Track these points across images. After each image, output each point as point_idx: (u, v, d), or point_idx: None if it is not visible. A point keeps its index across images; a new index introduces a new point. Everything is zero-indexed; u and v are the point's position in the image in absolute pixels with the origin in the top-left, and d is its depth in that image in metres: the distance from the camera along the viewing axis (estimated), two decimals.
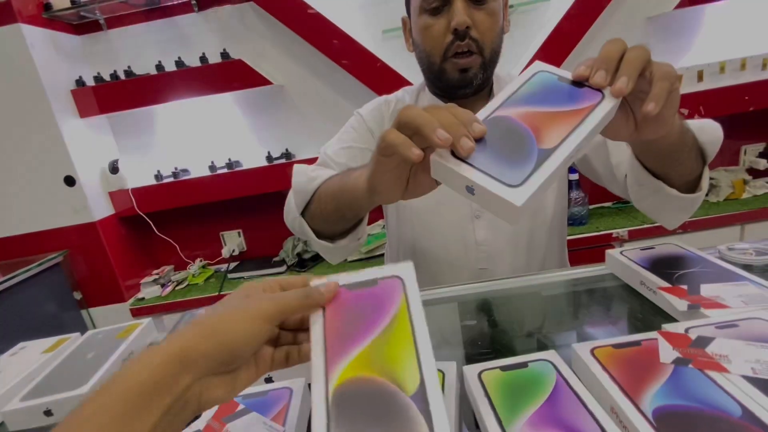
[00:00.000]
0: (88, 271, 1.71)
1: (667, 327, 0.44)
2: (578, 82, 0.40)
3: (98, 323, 1.75)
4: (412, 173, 0.43)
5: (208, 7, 1.69)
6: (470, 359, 0.54)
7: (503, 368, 0.43)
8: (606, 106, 0.38)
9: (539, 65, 0.43)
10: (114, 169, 1.73)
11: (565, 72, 0.41)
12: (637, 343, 0.43)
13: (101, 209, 1.70)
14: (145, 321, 0.71)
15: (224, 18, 1.70)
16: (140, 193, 1.75)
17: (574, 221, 1.67)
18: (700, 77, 1.62)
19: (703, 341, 0.41)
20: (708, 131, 0.58)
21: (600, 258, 0.68)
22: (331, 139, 0.82)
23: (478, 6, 0.68)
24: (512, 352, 0.53)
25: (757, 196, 1.65)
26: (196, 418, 0.33)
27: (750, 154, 1.80)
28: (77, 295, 1.71)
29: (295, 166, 0.71)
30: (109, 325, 0.72)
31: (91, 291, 1.73)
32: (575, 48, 1.60)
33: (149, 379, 0.27)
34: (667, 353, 0.40)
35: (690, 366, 0.38)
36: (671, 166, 0.58)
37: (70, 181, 1.61)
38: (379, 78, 1.62)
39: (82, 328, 1.77)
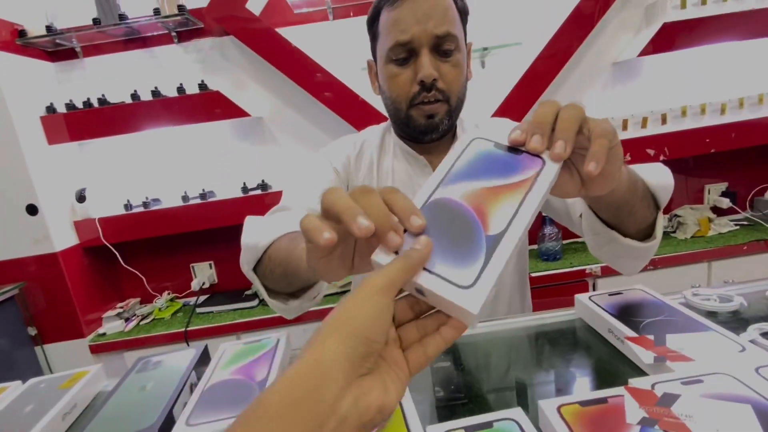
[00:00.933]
0: (46, 305, 1.61)
1: (634, 382, 0.43)
2: (516, 148, 0.38)
3: (53, 361, 1.64)
4: (355, 253, 0.37)
5: (188, 39, 1.70)
6: (440, 402, 0.52)
7: (467, 429, 0.41)
8: (548, 173, 0.35)
9: (474, 132, 0.41)
10: (81, 197, 1.67)
11: (501, 137, 0.39)
12: (603, 400, 0.42)
13: (64, 239, 1.63)
14: (94, 369, 0.66)
15: (204, 50, 1.71)
16: (107, 222, 1.69)
17: (548, 257, 1.68)
18: (663, 120, 1.70)
19: (669, 399, 0.40)
20: (658, 178, 0.58)
21: (574, 293, 0.67)
22: (295, 180, 0.80)
23: (443, 59, 0.69)
24: (482, 399, 0.51)
25: (722, 233, 1.71)
26: None
27: (713, 193, 1.87)
28: (32, 331, 1.61)
29: (247, 219, 0.67)
30: (66, 363, 0.67)
31: (47, 326, 1.63)
32: (547, 89, 1.66)
33: (281, 404, 0.24)
34: (634, 413, 0.39)
35: (656, 427, 0.37)
36: (624, 216, 0.57)
37: (32, 209, 1.54)
38: (358, 113, 1.64)
39: (35, 366, 1.66)
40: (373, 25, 0.74)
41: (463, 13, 0.73)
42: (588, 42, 1.66)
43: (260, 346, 0.64)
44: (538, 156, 0.37)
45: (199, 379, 0.60)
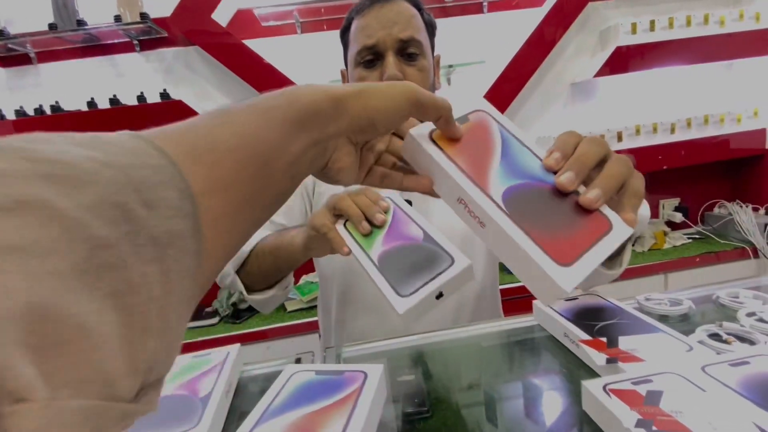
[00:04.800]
0: None
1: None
2: (338, 371, 0.42)
3: None
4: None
5: (151, 48, 1.66)
6: (405, 415, 0.49)
7: None
8: (371, 385, 0.40)
9: (291, 368, 0.45)
10: None
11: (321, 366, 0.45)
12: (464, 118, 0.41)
13: None
14: None
15: (167, 59, 1.67)
16: None
17: None
18: (619, 138, 1.78)
19: (655, 397, 0.39)
20: (641, 213, 0.61)
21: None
22: None
23: (409, 62, 0.72)
24: (447, 405, 0.49)
25: (677, 246, 1.78)
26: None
27: (667, 207, 1.96)
28: None
29: None
30: None
31: None
32: (510, 105, 1.71)
33: (312, 105, 0.27)
34: (627, 416, 0.37)
35: (654, 428, 0.36)
36: None
37: None
38: None
39: None
40: (345, 35, 0.78)
41: (429, 25, 0.77)
42: (548, 62, 1.73)
43: (208, 360, 0.60)
44: (360, 371, 0.42)
45: None
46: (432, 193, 0.36)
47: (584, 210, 0.34)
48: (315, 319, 1.54)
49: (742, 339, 0.53)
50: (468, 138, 0.37)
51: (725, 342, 0.53)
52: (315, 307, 1.61)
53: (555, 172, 0.35)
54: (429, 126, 0.36)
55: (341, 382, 0.37)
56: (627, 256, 0.65)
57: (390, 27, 0.70)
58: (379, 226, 0.50)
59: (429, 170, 0.36)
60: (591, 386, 0.43)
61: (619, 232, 0.34)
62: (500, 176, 0.35)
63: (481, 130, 0.38)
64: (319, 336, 1.59)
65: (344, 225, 0.53)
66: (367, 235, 0.50)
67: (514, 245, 0.31)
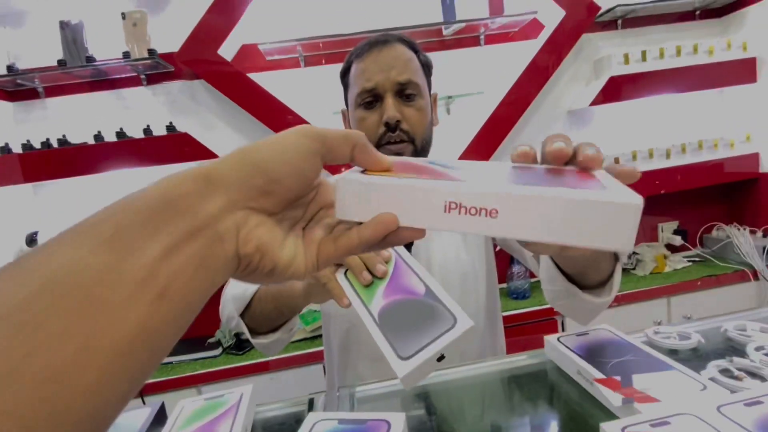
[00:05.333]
0: None
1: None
2: (361, 420, 0.44)
3: None
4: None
5: (158, 81, 1.70)
6: None
7: None
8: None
9: (314, 416, 0.47)
10: (32, 241, 1.57)
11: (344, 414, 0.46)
12: None
13: None
14: None
15: (173, 92, 1.71)
16: None
17: (517, 295, 1.70)
18: (616, 163, 1.82)
19: None
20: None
21: (543, 331, 0.68)
22: None
23: (407, 103, 0.75)
24: None
25: (677, 270, 1.79)
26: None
27: (666, 231, 1.98)
28: None
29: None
30: None
31: None
32: (509, 134, 1.75)
33: (162, 195, 0.23)
34: None
35: None
36: (590, 269, 0.58)
37: None
38: None
39: None
40: (345, 77, 0.81)
41: (426, 66, 0.80)
42: (544, 92, 1.78)
43: (222, 402, 0.60)
44: (383, 420, 0.43)
45: None
46: (396, 237, 0.28)
47: (582, 176, 0.30)
48: (319, 349, 1.52)
49: (753, 375, 0.54)
50: (399, 166, 0.31)
51: (737, 378, 0.53)
52: (319, 336, 1.60)
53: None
54: (355, 170, 0.30)
55: None
56: (617, 282, 0.61)
57: (388, 70, 0.73)
58: (380, 277, 0.49)
59: (387, 204, 0.28)
60: (610, 429, 0.43)
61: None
62: (474, 173, 0.29)
63: (404, 161, 0.33)
64: (324, 368, 1.58)
65: (345, 274, 0.52)
66: (367, 285, 0.49)
67: (552, 202, 0.25)
